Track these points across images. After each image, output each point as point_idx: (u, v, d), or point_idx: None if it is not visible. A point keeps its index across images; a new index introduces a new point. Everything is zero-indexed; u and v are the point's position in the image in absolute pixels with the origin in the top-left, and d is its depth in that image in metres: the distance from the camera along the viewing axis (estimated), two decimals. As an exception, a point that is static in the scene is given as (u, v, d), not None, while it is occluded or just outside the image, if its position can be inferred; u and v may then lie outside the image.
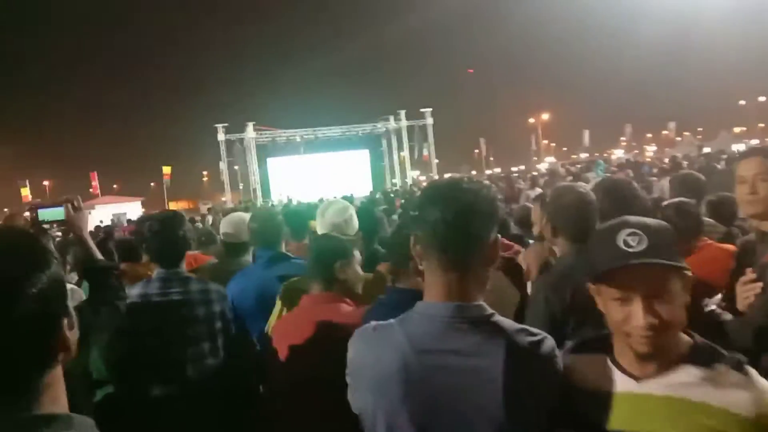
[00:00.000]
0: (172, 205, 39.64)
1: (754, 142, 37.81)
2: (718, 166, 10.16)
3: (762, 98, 65.66)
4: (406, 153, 33.06)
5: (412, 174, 34.18)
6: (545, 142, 70.18)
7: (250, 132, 31.02)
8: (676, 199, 3.23)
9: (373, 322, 1.43)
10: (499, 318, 1.35)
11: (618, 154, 51.10)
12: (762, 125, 67.88)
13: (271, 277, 2.95)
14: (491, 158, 61.42)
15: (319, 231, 2.73)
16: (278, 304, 2.67)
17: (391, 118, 32.78)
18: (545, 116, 65.35)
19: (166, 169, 35.26)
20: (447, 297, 1.33)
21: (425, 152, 32.94)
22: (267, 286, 2.93)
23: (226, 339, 2.77)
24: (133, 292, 2.65)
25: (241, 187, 33.77)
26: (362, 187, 27.44)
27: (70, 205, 2.20)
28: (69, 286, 1.41)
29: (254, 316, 2.93)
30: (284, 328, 2.39)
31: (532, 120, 64.47)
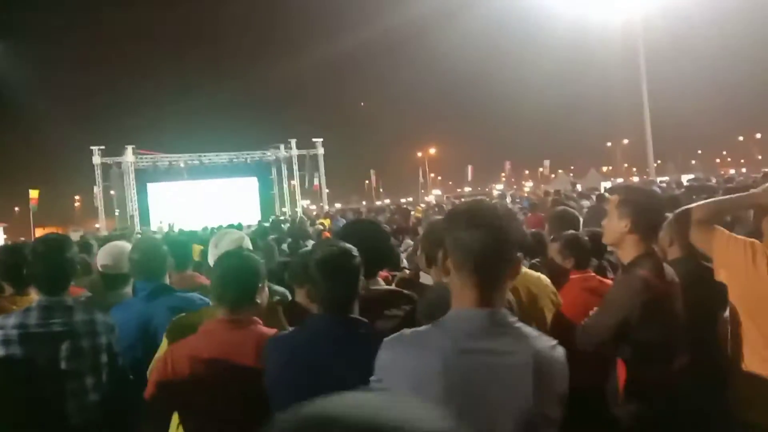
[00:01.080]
0: (39, 232, 36.52)
1: (619, 180, 41.40)
2: (588, 203, 10.98)
3: (626, 141, 72.17)
4: (296, 182, 32.86)
5: (303, 203, 33.96)
6: (432, 175, 72.65)
7: (129, 155, 29.46)
8: (569, 232, 3.41)
9: (407, 330, 1.52)
10: (521, 324, 1.50)
11: (498, 188, 53.92)
12: (626, 165, 74.61)
13: (156, 310, 2.79)
14: (381, 189, 62.57)
15: (212, 262, 2.58)
16: (164, 343, 2.50)
17: (282, 146, 32.52)
18: (432, 151, 67.82)
19: (34, 193, 32.52)
20: (480, 305, 1.45)
21: (316, 182, 32.90)
22: (150, 319, 2.76)
23: (112, 373, 2.60)
24: (9, 322, 2.44)
25: (117, 214, 31.87)
26: (250, 215, 26.82)
27: None
28: None
29: (134, 352, 2.74)
30: (190, 356, 2.16)
31: (420, 154, 66.67)
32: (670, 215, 3.31)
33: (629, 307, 2.41)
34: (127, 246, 3.38)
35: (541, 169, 54.25)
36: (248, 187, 33.03)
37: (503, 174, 59.63)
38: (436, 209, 13.15)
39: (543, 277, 2.98)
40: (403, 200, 42.99)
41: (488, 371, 1.41)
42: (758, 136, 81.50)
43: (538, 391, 1.41)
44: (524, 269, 2.93)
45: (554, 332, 2.73)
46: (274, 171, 33.56)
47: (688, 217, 2.40)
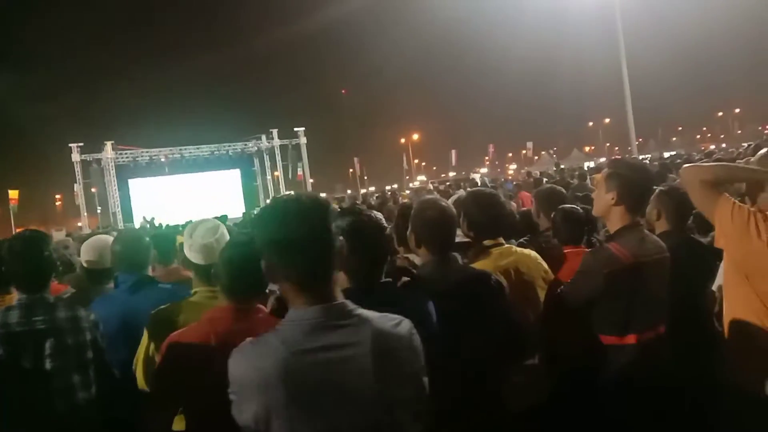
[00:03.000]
0: (20, 232, 35.96)
1: (602, 159, 41.61)
2: (572, 182, 11.01)
3: (607, 120, 72.55)
4: (279, 173, 32.62)
5: (287, 194, 33.77)
6: (416, 161, 72.65)
7: (108, 152, 28.99)
8: (567, 206, 3.42)
9: (249, 338, 1.51)
10: (362, 310, 1.50)
11: (482, 171, 54.04)
12: (608, 144, 75.03)
13: (139, 303, 2.72)
14: (365, 177, 62.40)
15: (188, 253, 2.48)
16: (145, 337, 2.44)
17: (263, 137, 32.24)
18: (415, 136, 67.70)
19: (13, 193, 32.05)
20: (311, 303, 1.46)
21: (299, 172, 32.69)
22: (134, 312, 2.70)
23: (99, 369, 2.57)
24: None
25: (99, 211, 31.48)
26: (234, 208, 26.61)
27: None
28: None
29: (116, 346, 2.68)
30: (196, 344, 2.07)
31: (403, 140, 66.52)
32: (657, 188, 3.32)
33: (595, 278, 2.52)
34: (109, 239, 3.31)
35: (524, 151, 54.51)
36: (231, 180, 32.74)
37: (487, 157, 59.83)
38: (427, 189, 13.13)
39: (533, 253, 2.96)
40: (387, 187, 42.88)
41: (327, 368, 1.42)
42: (737, 110, 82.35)
43: (381, 376, 1.44)
44: (514, 248, 2.91)
45: (550, 307, 2.78)
46: (256, 162, 33.27)
47: (693, 175, 2.35)
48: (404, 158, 52.35)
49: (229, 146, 31.75)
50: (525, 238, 3.81)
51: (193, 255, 2.46)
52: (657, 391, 2.51)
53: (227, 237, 2.50)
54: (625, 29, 24.97)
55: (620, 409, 2.49)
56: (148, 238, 3.12)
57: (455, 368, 2.09)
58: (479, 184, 13.30)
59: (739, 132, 67.77)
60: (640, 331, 2.52)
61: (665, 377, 2.55)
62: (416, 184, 45.33)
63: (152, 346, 2.42)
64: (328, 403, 1.41)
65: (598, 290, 2.52)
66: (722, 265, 2.51)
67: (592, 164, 29.90)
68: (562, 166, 17.17)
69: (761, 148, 2.78)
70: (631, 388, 2.48)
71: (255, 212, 17.55)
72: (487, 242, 2.82)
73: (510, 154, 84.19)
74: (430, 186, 16.99)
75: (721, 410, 2.41)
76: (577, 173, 12.73)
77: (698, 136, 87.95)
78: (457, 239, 2.81)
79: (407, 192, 18.62)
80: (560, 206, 3.37)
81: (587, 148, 73.21)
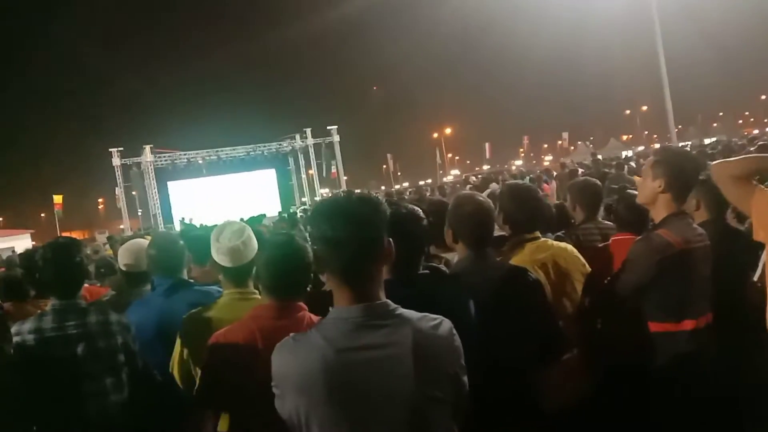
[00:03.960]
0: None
1: (640, 148, 40.79)
2: (610, 172, 10.76)
3: (644, 107, 70.95)
4: (314, 171, 32.87)
5: (322, 192, 34.03)
6: (450, 155, 72.31)
7: (147, 155, 29.68)
8: (629, 192, 3.41)
9: (292, 333, 1.54)
10: (403, 310, 1.51)
11: (518, 164, 53.44)
12: (646, 132, 73.42)
13: (175, 306, 2.75)
14: (399, 173, 62.41)
15: (215, 257, 2.50)
16: (178, 343, 2.47)
17: (297, 136, 32.52)
18: (448, 131, 67.38)
19: (57, 198, 33.10)
20: (354, 301, 1.47)
21: (333, 169, 32.89)
22: (170, 315, 2.72)
23: (132, 373, 2.61)
24: (24, 327, 2.47)
25: (140, 214, 32.23)
26: (271, 207, 26.93)
27: None
28: None
29: (155, 349, 2.72)
30: (240, 343, 2.09)
31: (436, 135, 66.23)
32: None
33: (647, 265, 2.51)
34: (145, 243, 3.36)
35: (560, 142, 53.66)
36: (267, 179, 33.16)
37: (522, 149, 59.16)
38: (468, 184, 13.03)
39: (570, 247, 2.91)
40: (421, 182, 42.81)
41: (367, 366, 1.43)
42: (782, 93, 79.46)
43: (420, 375, 1.45)
44: (550, 242, 2.86)
45: (593, 300, 2.74)
46: (291, 161, 33.62)
47: (722, 171, 2.28)
48: (437, 153, 52.07)
49: (264, 146, 32.14)
50: (561, 232, 3.74)
51: (220, 258, 2.47)
52: (710, 379, 2.49)
53: (254, 239, 2.50)
54: (660, 13, 24.32)
55: (678, 395, 2.47)
56: (182, 241, 3.15)
57: (492, 364, 2.06)
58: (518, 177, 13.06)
59: (785, 115, 65.40)
60: (695, 316, 2.52)
61: (717, 364, 2.53)
62: (450, 178, 45.09)
63: (185, 350, 2.44)
64: (367, 401, 1.42)
65: (651, 276, 2.50)
66: (763, 256, 2.42)
67: (630, 153, 29.26)
68: (599, 156, 16.78)
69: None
70: (688, 374, 2.47)
71: (292, 210, 17.70)
72: (524, 236, 2.77)
73: (545, 145, 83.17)
74: (473, 179, 16.76)
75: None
76: (614, 163, 12.43)
77: (740, 121, 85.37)
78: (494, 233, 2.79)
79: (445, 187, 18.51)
80: (623, 193, 3.40)
81: (625, 137, 71.65)
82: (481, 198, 2.51)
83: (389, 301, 1.51)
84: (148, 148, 29.77)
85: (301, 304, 2.19)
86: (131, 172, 29.45)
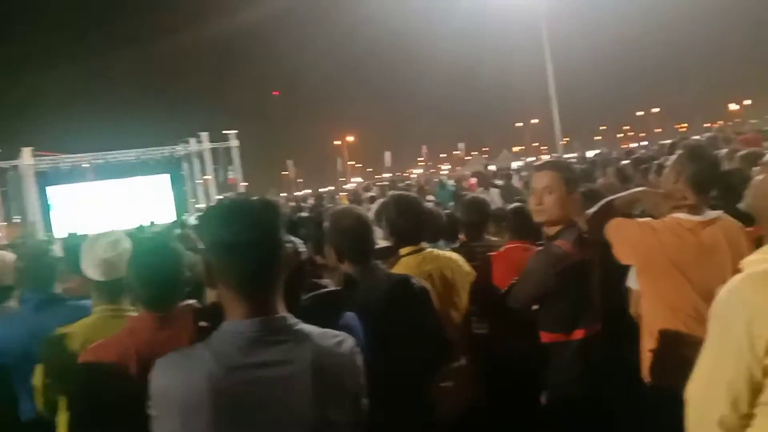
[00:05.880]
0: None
1: (530, 159, 42.89)
2: (499, 182, 11.24)
3: (535, 120, 74.72)
4: (210, 176, 31.83)
5: (219, 198, 33.03)
6: (351, 163, 72.59)
7: (26, 158, 27.50)
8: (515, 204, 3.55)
9: (177, 349, 1.40)
10: (303, 325, 1.40)
11: (417, 172, 54.61)
12: (536, 144, 77.39)
13: (46, 323, 2.54)
14: (300, 180, 61.86)
15: (86, 270, 2.31)
16: (39, 368, 2.27)
17: (192, 140, 31.38)
18: (350, 138, 67.68)
19: None
20: (250, 315, 1.34)
21: (231, 175, 31.99)
22: (40, 332, 2.51)
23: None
24: None
25: (17, 221, 29.79)
26: (164, 214, 25.75)
27: None
28: None
29: (23, 372, 2.50)
30: (113, 359, 1.90)
31: (337, 142, 66.36)
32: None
33: (546, 276, 2.53)
34: (10, 256, 3.10)
35: (456, 152, 55.39)
36: (160, 185, 31.67)
37: (420, 158, 60.47)
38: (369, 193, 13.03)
39: (457, 257, 2.98)
40: (322, 189, 42.61)
41: (261, 386, 1.32)
42: (656, 110, 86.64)
43: (318, 395, 1.35)
44: (438, 252, 2.91)
45: (475, 304, 2.81)
46: (186, 166, 32.36)
47: (602, 228, 2.57)
48: (338, 160, 52.12)
49: (157, 150, 30.71)
50: (455, 244, 3.85)
51: (92, 271, 2.29)
52: (601, 385, 2.55)
53: (128, 248, 2.32)
54: (550, 31, 25.78)
55: (570, 404, 2.52)
56: (53, 252, 2.93)
57: (386, 379, 2.05)
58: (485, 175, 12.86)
59: (659, 130, 71.29)
60: (585, 326, 2.57)
61: (606, 371, 2.60)
62: (352, 185, 45.23)
63: (47, 377, 2.25)
64: (260, 424, 1.31)
65: (549, 287, 2.54)
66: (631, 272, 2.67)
67: (521, 164, 30.70)
68: (490, 167, 17.53)
69: (677, 147, 3.06)
70: (580, 383, 2.52)
71: (183, 218, 17.00)
72: (409, 247, 2.80)
73: (443, 155, 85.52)
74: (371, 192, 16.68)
75: (641, 408, 2.50)
76: (503, 174, 13.04)
77: (620, 135, 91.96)
78: (381, 244, 2.80)
79: (343, 195, 18.53)
80: (515, 204, 3.53)
81: (516, 149, 75.26)
82: (358, 210, 2.50)
83: (289, 315, 1.40)
84: (28, 150, 27.56)
85: (185, 311, 2.03)
86: (8, 176, 27.19)
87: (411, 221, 2.81)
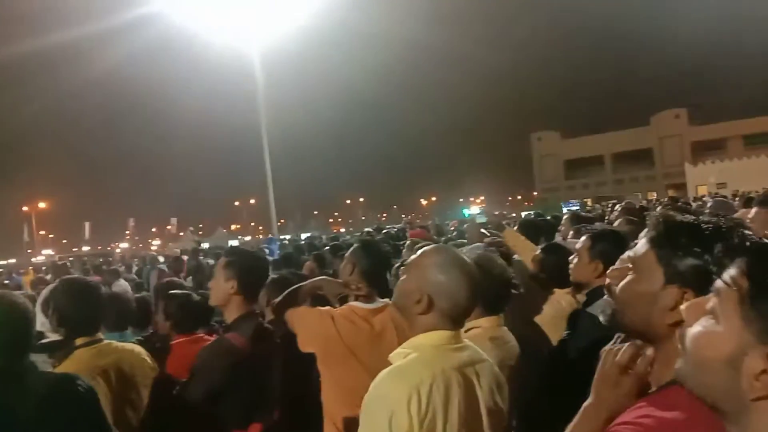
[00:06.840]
0: None
1: (247, 238, 43.20)
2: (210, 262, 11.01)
3: (253, 200, 76.06)
4: None
5: None
6: (42, 232, 64.02)
7: None
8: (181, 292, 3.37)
9: None
10: None
11: (123, 246, 50.55)
12: (253, 223, 78.59)
13: None
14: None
15: None
16: None
17: None
18: (42, 205, 59.82)
19: None
20: None
21: None
22: None
23: None
24: None
25: None
26: None
27: None
28: None
29: None
30: None
31: (26, 208, 58.03)
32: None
33: (216, 371, 2.47)
34: None
35: (168, 227, 52.91)
36: None
37: (127, 231, 56.29)
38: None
39: (137, 348, 2.76)
40: (3, 262, 36.38)
41: None
42: (362, 199, 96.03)
43: None
44: (115, 344, 2.68)
45: (155, 403, 2.59)
46: None
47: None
48: (25, 229, 45.52)
49: None
50: (143, 334, 3.60)
51: None
52: None
53: None
54: (268, 119, 26.88)
55: None
56: None
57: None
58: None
59: (363, 218, 78.69)
60: (262, 419, 2.52)
61: None
62: (42, 258, 39.87)
63: None
64: None
65: (220, 384, 2.45)
66: None
67: (236, 242, 30.69)
68: (203, 245, 17.16)
69: (381, 231, 3.29)
70: None
71: None
72: (81, 339, 2.50)
73: (154, 230, 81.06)
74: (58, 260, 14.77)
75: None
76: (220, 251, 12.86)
77: (330, 220, 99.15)
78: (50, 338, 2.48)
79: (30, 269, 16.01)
80: (175, 294, 3.27)
81: (234, 227, 75.34)
82: (12, 297, 2.15)
83: None
84: None
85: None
86: None
87: (85, 309, 2.53)
